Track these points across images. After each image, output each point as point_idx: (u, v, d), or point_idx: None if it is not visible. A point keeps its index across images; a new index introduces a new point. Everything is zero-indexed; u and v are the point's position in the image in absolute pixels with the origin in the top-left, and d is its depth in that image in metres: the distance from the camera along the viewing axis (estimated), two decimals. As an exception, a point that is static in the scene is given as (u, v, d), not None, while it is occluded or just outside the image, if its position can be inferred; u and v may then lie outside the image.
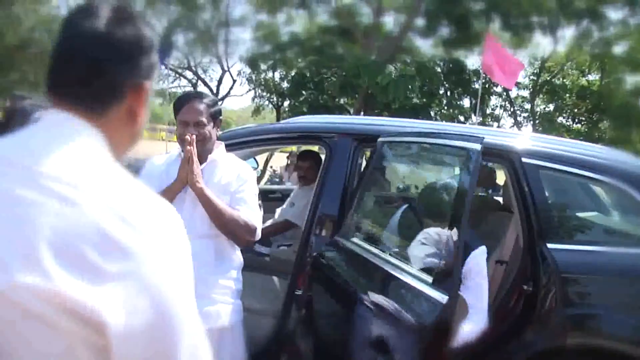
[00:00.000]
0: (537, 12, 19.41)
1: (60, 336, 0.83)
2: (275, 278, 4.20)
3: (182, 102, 2.64)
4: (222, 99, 24.65)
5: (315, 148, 5.27)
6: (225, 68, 25.70)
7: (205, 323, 2.28)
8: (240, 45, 25.27)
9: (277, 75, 24.58)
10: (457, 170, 2.54)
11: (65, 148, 0.92)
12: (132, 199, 0.91)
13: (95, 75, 0.98)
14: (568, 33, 21.90)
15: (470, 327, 2.40)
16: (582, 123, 24.04)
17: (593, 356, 2.72)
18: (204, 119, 2.60)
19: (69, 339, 0.83)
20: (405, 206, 3.28)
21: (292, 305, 3.12)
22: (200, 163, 2.60)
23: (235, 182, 2.64)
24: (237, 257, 2.75)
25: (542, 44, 24.21)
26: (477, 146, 2.15)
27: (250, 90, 25.19)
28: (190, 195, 2.54)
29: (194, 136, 2.51)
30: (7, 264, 0.81)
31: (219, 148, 2.75)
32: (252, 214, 2.61)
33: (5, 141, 0.95)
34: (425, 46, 21.87)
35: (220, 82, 26.42)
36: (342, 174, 3.22)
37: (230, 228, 2.57)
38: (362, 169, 3.26)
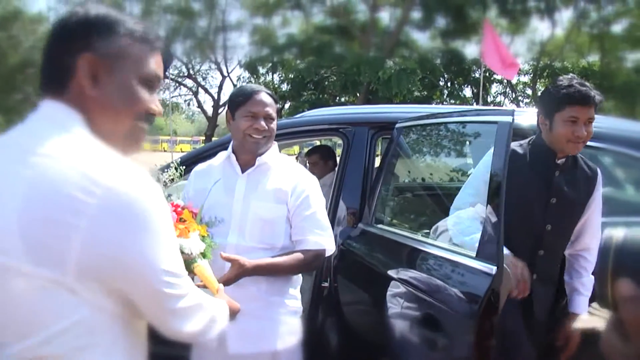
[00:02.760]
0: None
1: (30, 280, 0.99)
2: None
3: (247, 93, 2.33)
4: (224, 105, 24.71)
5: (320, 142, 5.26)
6: (225, 74, 25.79)
7: (259, 345, 2.23)
8: (238, 50, 25.28)
9: (276, 77, 24.64)
10: (485, 147, 2.50)
11: (43, 127, 1.06)
12: (94, 165, 1.00)
13: (44, 58, 1.11)
14: (565, 15, 21.86)
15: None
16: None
17: None
18: (274, 113, 2.33)
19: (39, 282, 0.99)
20: (433, 188, 3.25)
21: (320, 298, 3.11)
22: (250, 165, 2.34)
23: (294, 193, 2.31)
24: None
25: (540, 28, 24.13)
26: (509, 118, 2.13)
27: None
28: (239, 204, 2.29)
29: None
30: None
31: (272, 148, 2.41)
32: (320, 237, 2.31)
33: (15, 130, 1.10)
34: (423, 39, 21.95)
35: (220, 88, 26.50)
36: (360, 163, 3.21)
37: (299, 271, 2.34)
38: (382, 156, 3.25)
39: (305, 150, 15.23)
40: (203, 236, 1.85)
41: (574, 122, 2.29)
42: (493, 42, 11.80)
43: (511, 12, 20.01)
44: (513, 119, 2.10)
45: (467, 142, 3.14)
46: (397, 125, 3.05)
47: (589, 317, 1.88)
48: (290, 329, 2.34)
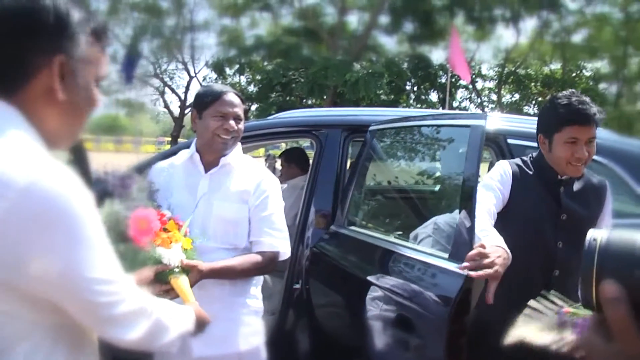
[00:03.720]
0: (499, 5, 19.78)
1: None
2: (267, 276, 4.18)
3: (216, 93, 2.31)
4: (190, 105, 24.46)
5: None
6: (192, 74, 25.57)
7: (224, 347, 2.22)
8: (205, 50, 25.15)
9: (243, 79, 24.54)
10: (458, 150, 2.52)
11: None
12: (12, 167, 0.92)
13: None
14: (529, 24, 22.43)
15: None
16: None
17: None
18: (242, 114, 2.33)
19: None
20: (406, 191, 3.27)
21: (291, 300, 3.11)
22: (214, 165, 2.33)
23: (255, 193, 2.31)
24: None
25: (505, 36, 24.75)
26: (482, 122, 2.13)
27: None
28: (202, 204, 2.26)
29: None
30: None
31: (236, 149, 2.40)
32: (276, 240, 2.30)
33: None
34: (391, 43, 22.16)
35: (187, 88, 26.26)
36: (333, 165, 3.22)
37: (254, 274, 2.32)
38: (355, 158, 3.27)
39: (273, 152, 15.19)
40: (186, 249, 1.84)
41: (573, 142, 2.20)
42: (459, 48, 12.04)
43: (477, 20, 20.35)
44: (485, 123, 2.13)
45: (440, 146, 3.18)
46: (371, 128, 3.08)
47: None
48: (253, 330, 2.34)
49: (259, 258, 2.25)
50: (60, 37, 1.01)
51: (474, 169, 2.06)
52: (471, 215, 1.97)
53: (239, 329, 2.29)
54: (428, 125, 2.90)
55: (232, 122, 2.28)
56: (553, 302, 1.73)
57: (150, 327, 1.13)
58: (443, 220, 2.41)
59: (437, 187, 3.89)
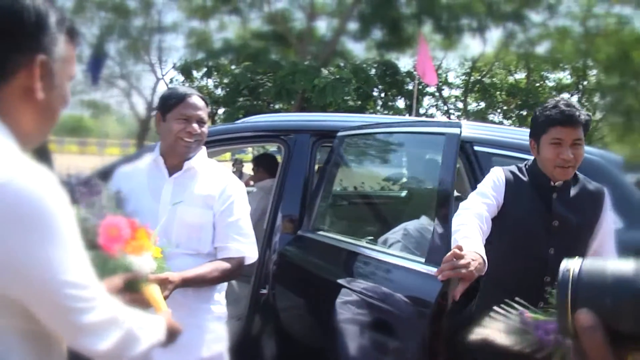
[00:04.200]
0: (466, 15, 20.08)
1: None
2: (233, 281, 4.15)
3: (180, 96, 2.28)
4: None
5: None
6: (159, 76, 25.25)
7: (186, 355, 2.18)
8: (173, 52, 24.88)
9: (211, 82, 24.34)
10: (432, 158, 2.54)
11: None
12: None
13: None
14: (495, 35, 22.86)
15: None
16: (513, 119, 24.92)
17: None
18: (205, 117, 2.30)
19: None
20: (375, 197, 3.29)
21: (257, 305, 3.10)
22: (178, 168, 2.31)
23: (220, 198, 2.29)
24: None
25: (472, 45, 25.31)
26: (457, 130, 2.16)
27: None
28: (165, 208, 2.22)
29: None
30: None
31: (201, 153, 2.38)
32: (242, 245, 2.30)
33: None
34: (359, 49, 22.26)
35: (154, 90, 25.92)
36: (302, 170, 3.23)
37: (223, 280, 2.33)
38: (324, 163, 3.28)
39: (239, 157, 15.08)
40: (156, 258, 1.81)
41: (558, 144, 2.23)
42: (426, 56, 12.16)
43: (445, 29, 20.58)
44: (460, 131, 2.15)
45: (413, 153, 3.20)
46: (340, 134, 3.09)
47: None
48: (216, 336, 2.33)
49: (227, 265, 2.25)
50: (40, 36, 1.00)
51: (449, 177, 2.08)
52: (447, 221, 1.99)
53: (202, 335, 2.27)
54: (401, 132, 2.92)
55: (195, 125, 2.26)
56: (516, 309, 1.80)
57: (121, 338, 1.10)
58: (413, 226, 2.43)
59: (404, 193, 3.92)
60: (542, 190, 2.33)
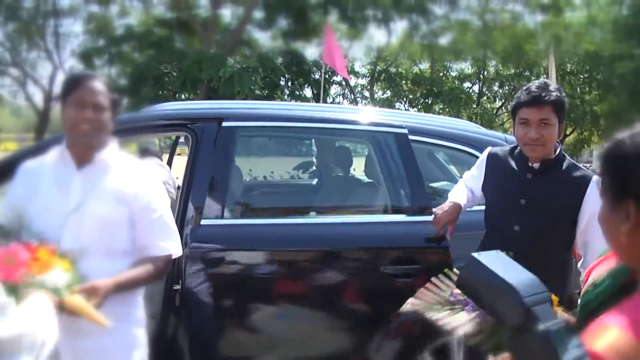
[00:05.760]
0: (372, 5, 20.38)
1: None
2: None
3: (77, 80, 2.11)
4: (56, 98, 23.00)
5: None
6: (57, 64, 24.03)
7: None
8: (72, 38, 23.60)
9: (113, 71, 23.46)
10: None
11: None
12: None
13: None
14: (400, 25, 23.46)
15: None
16: (419, 107, 25.67)
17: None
18: (104, 103, 2.08)
19: None
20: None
21: (172, 302, 2.98)
22: (87, 161, 2.11)
23: (139, 195, 2.13)
24: None
25: (377, 35, 25.81)
26: (404, 130, 2.36)
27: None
28: (75, 203, 2.05)
29: None
30: None
31: (112, 145, 2.19)
32: (168, 243, 2.18)
33: None
34: (264, 38, 22.12)
35: (52, 80, 24.66)
36: (211, 160, 3.13)
37: (154, 280, 2.20)
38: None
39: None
40: (67, 270, 1.69)
41: (525, 123, 2.31)
42: (333, 43, 12.19)
43: (351, 19, 20.79)
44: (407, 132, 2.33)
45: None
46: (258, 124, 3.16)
47: None
48: (136, 342, 2.19)
49: (156, 264, 2.14)
50: None
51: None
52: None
53: (121, 343, 2.13)
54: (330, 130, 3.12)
55: (88, 111, 2.04)
56: (452, 280, 1.96)
57: None
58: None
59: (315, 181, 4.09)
60: (519, 169, 2.42)
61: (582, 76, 25.29)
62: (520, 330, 0.98)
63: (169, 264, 2.24)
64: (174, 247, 2.22)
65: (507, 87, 26.36)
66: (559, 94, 2.31)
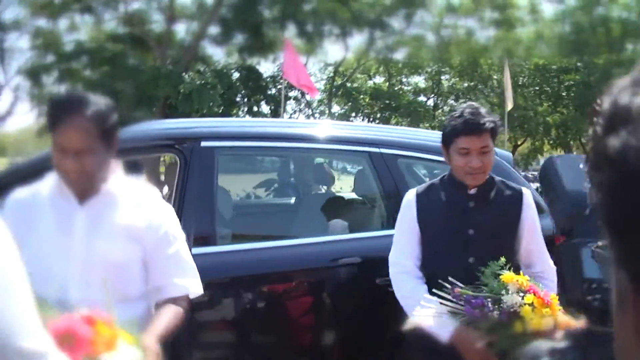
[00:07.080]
0: (329, 21, 20.39)
1: None
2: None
3: (58, 115, 1.74)
4: (3, 118, 22.07)
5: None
6: (1, 82, 23.07)
7: None
8: (17, 54, 22.50)
9: (63, 88, 22.66)
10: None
11: None
12: None
13: None
14: (357, 40, 23.65)
15: None
16: (377, 121, 25.82)
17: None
18: (91, 144, 1.73)
19: None
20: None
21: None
22: (90, 194, 1.82)
23: (151, 228, 1.87)
24: None
25: (331, 50, 26.06)
26: (378, 149, 2.37)
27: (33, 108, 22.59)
28: (81, 245, 1.78)
29: None
30: None
31: (117, 173, 1.89)
32: (188, 280, 1.93)
33: None
34: (219, 54, 21.82)
35: (-3, 98, 23.68)
36: (203, 182, 2.96)
37: (179, 325, 1.88)
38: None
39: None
40: (132, 344, 1.43)
41: (466, 153, 2.22)
42: (294, 59, 12.02)
43: (307, 34, 20.76)
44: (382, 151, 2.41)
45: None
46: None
47: None
48: None
49: (180, 307, 1.88)
50: None
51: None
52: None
53: None
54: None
55: (70, 160, 1.72)
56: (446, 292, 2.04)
57: None
58: None
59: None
60: (459, 199, 2.33)
61: (533, 89, 25.95)
62: None
63: (189, 305, 1.96)
64: (193, 285, 1.95)
65: (461, 101, 26.89)
66: (493, 119, 2.28)
